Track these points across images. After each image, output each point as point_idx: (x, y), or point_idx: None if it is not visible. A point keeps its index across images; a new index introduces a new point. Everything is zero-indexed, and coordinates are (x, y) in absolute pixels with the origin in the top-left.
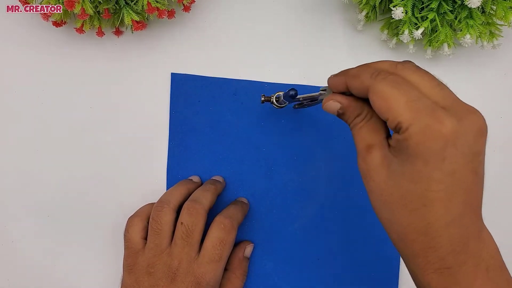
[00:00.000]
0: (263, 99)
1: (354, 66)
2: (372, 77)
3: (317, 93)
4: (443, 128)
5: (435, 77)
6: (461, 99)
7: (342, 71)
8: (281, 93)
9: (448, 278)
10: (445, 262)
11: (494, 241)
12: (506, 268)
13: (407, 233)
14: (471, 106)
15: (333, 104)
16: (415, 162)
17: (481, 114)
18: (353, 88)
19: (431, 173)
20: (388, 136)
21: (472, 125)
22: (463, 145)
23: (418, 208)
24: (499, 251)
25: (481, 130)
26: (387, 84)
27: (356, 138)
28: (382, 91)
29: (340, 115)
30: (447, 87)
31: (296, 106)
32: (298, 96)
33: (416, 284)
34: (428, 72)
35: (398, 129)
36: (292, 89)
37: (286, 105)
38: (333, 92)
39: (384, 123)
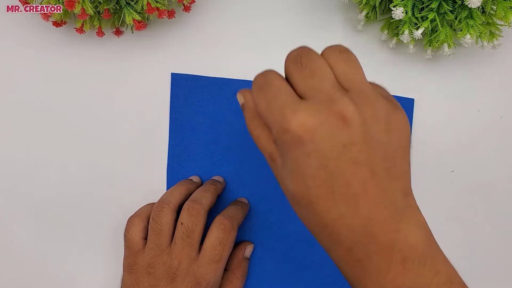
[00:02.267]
0: None
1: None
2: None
3: None
4: (292, 125)
5: (336, 58)
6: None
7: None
8: None
9: (360, 270)
10: (354, 254)
11: (423, 231)
12: (441, 257)
13: (313, 229)
14: (339, 92)
15: (239, 96)
16: (289, 163)
17: (348, 100)
18: None
19: (303, 171)
20: None
21: (329, 116)
22: (324, 138)
23: (307, 205)
24: (428, 241)
25: (344, 119)
26: (254, 89)
27: (258, 146)
28: (254, 98)
29: (242, 110)
30: (334, 69)
31: None
32: None
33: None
34: (348, 54)
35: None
36: None
37: None
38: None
39: None
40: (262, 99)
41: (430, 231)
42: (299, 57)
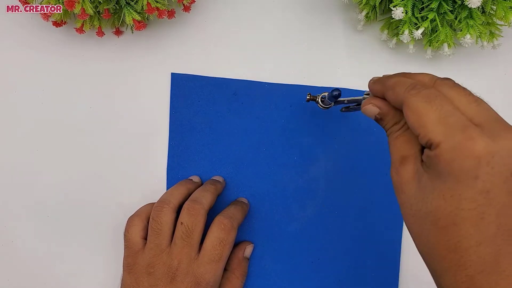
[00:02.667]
0: (309, 98)
1: (392, 74)
2: (406, 90)
3: (361, 97)
4: (475, 146)
5: (472, 93)
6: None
7: (380, 78)
8: (326, 94)
9: None
10: (475, 282)
11: None
12: None
13: (436, 249)
14: (509, 124)
15: (372, 108)
16: (446, 180)
17: None
18: (389, 99)
19: (462, 192)
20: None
21: (507, 144)
22: (497, 164)
23: (448, 226)
24: None
25: None
26: (421, 98)
27: (391, 148)
28: (415, 105)
29: (378, 120)
30: (485, 103)
31: (343, 110)
32: (342, 98)
33: None
34: (466, 88)
35: (429, 145)
36: (336, 89)
37: (331, 107)
38: (373, 96)
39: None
40: (434, 111)
41: None
42: (455, 84)
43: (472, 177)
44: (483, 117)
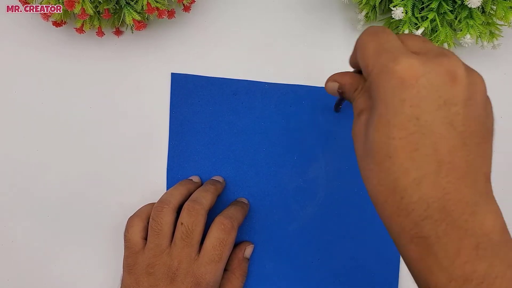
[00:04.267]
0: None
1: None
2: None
3: None
4: (398, 66)
5: (427, 40)
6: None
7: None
8: None
9: (425, 249)
10: (421, 229)
11: (499, 220)
12: None
13: (378, 193)
14: (448, 50)
15: (331, 84)
16: (377, 107)
17: (462, 63)
18: (356, 60)
19: (391, 118)
20: None
21: (439, 67)
22: (425, 88)
23: (383, 160)
24: (503, 232)
25: (453, 75)
26: (366, 33)
27: (353, 109)
28: (361, 40)
29: (341, 94)
30: (442, 48)
31: (335, 108)
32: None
33: (402, 257)
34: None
35: (367, 75)
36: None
37: (340, 108)
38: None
39: None
40: (374, 41)
41: (505, 222)
42: (423, 40)
43: (398, 101)
44: (424, 49)
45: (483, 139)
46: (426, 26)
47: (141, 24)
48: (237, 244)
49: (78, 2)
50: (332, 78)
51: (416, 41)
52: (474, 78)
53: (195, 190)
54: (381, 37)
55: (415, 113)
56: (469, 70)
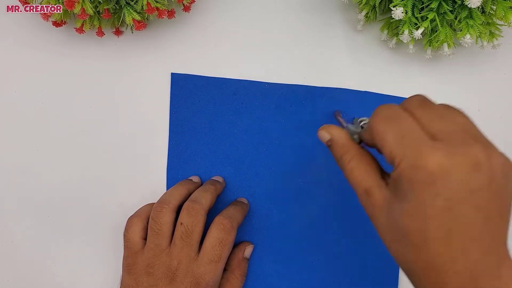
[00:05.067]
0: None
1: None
2: (372, 115)
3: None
4: (429, 163)
5: (439, 107)
6: (479, 126)
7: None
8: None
9: None
10: None
11: None
12: None
13: (415, 269)
14: (471, 139)
15: (323, 134)
16: (410, 199)
17: (481, 146)
18: (370, 138)
19: (425, 211)
20: (384, 174)
21: (464, 159)
22: (455, 181)
23: (420, 244)
24: None
25: (477, 164)
26: (380, 119)
27: (350, 181)
28: (376, 127)
29: (329, 147)
30: (454, 115)
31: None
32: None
33: None
34: (432, 102)
35: (392, 166)
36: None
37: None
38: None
39: (375, 163)
40: (391, 130)
41: None
42: (424, 101)
43: (432, 195)
44: (446, 132)
45: (505, 209)
46: (426, 26)
47: (141, 24)
48: (236, 244)
49: (78, 2)
50: (326, 128)
51: (434, 120)
52: (494, 159)
53: (195, 190)
54: (397, 125)
55: (447, 205)
56: (489, 153)
